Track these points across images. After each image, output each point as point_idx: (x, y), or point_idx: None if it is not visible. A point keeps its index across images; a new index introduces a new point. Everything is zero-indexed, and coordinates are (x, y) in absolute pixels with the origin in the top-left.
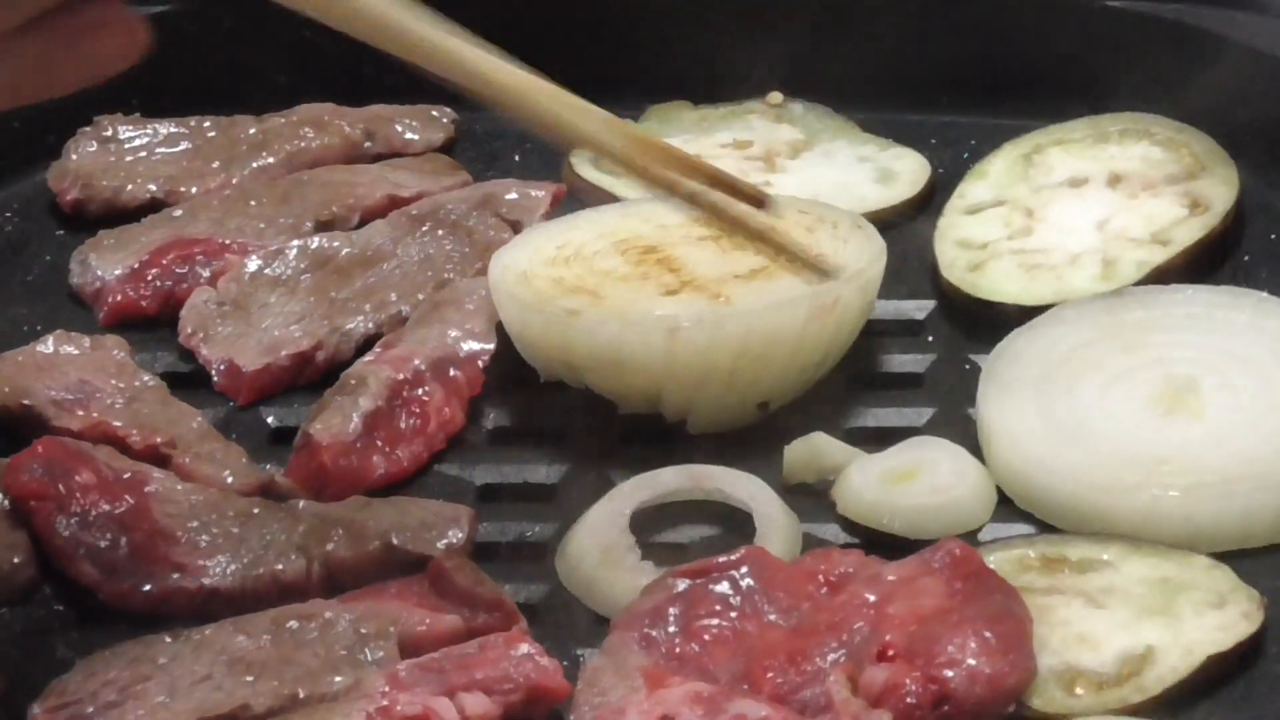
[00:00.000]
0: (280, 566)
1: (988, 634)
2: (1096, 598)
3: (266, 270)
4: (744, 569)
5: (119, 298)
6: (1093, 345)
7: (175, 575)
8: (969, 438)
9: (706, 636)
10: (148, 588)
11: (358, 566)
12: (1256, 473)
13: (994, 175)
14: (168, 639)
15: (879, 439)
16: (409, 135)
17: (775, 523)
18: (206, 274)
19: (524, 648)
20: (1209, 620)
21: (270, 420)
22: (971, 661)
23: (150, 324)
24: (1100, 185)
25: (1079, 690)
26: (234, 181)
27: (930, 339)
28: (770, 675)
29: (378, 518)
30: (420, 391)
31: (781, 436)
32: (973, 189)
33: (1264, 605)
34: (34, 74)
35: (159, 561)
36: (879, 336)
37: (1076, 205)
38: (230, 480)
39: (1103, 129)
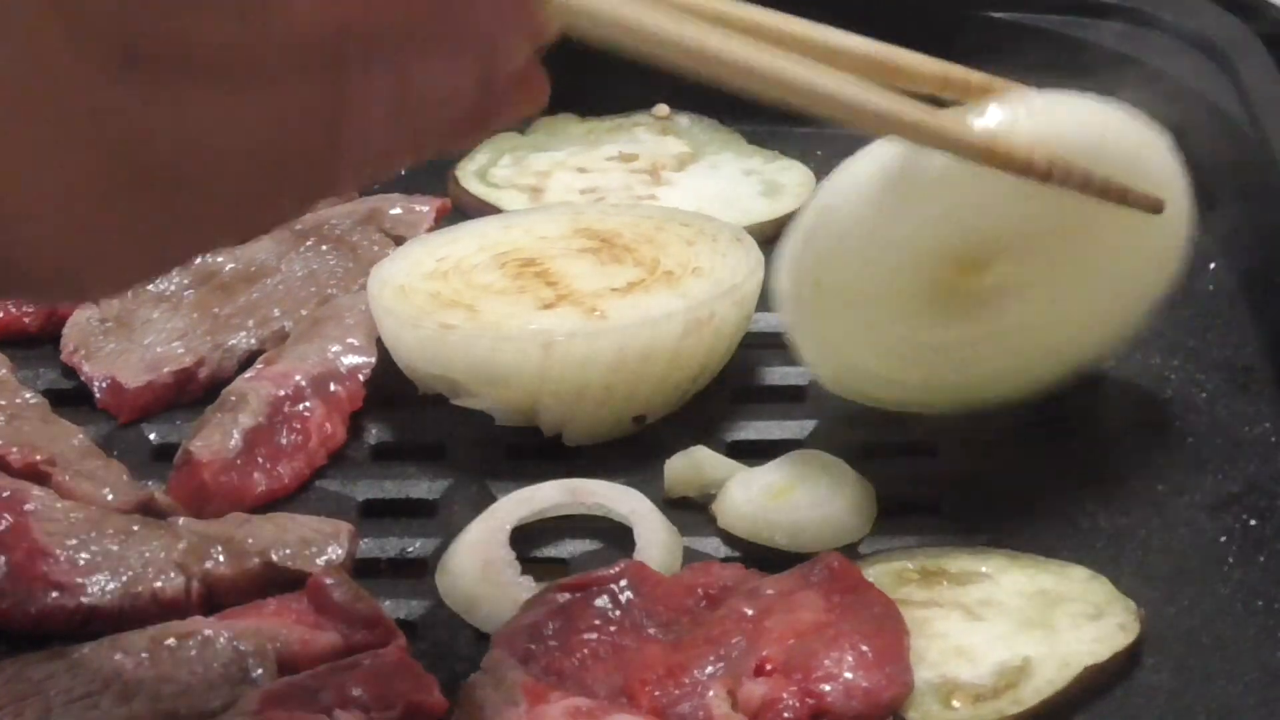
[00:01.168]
0: (160, 584)
1: (864, 648)
2: (975, 610)
3: (149, 286)
4: (623, 583)
5: (0, 315)
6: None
7: (55, 594)
8: (852, 449)
9: (585, 651)
10: (27, 607)
11: (237, 584)
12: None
13: None
14: (45, 658)
15: (761, 452)
16: None
17: (655, 536)
18: None
19: (401, 664)
20: (1086, 632)
21: (152, 437)
22: (848, 675)
23: (32, 341)
24: None
25: (956, 703)
26: None
27: None
28: (649, 689)
29: (257, 535)
30: (301, 407)
31: (662, 449)
32: None
33: (1141, 617)
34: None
35: (38, 580)
36: (762, 349)
37: None
38: (110, 498)
39: None
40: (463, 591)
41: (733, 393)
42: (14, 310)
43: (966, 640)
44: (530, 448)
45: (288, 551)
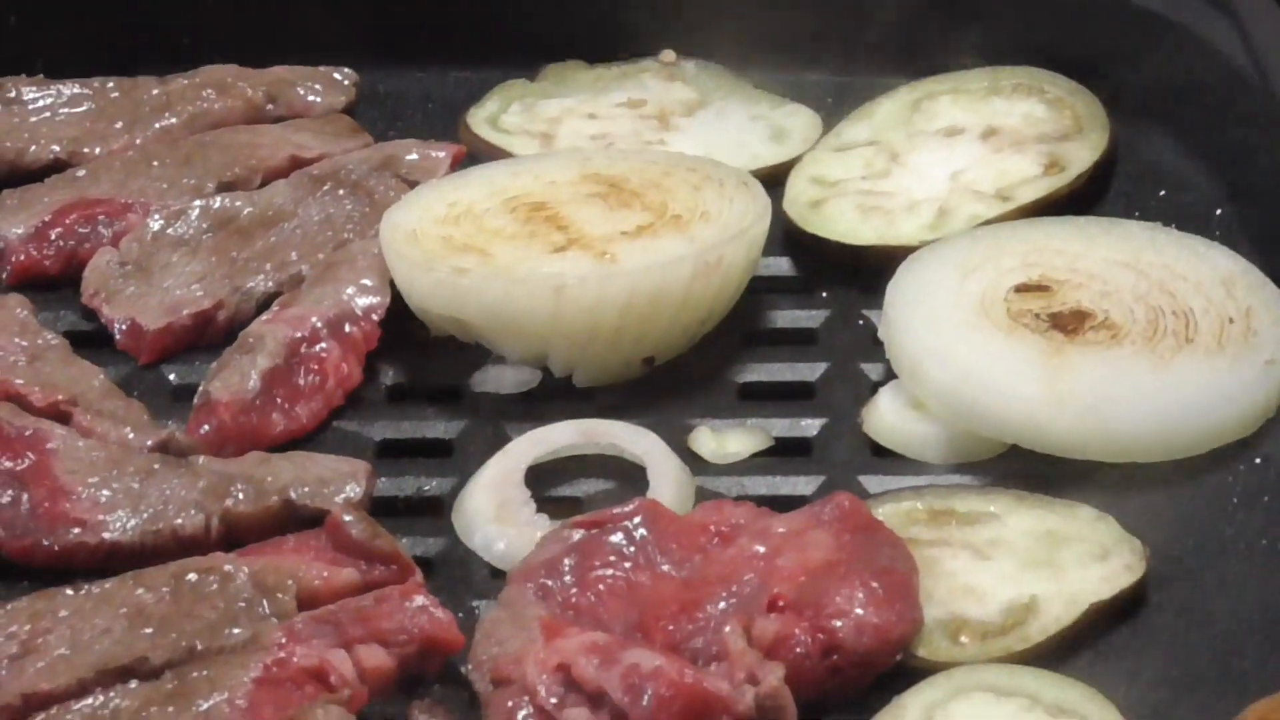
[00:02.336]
0: (180, 521)
1: (875, 585)
2: (983, 550)
3: (169, 230)
4: (637, 520)
5: (22, 257)
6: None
7: (76, 531)
8: (863, 392)
9: (601, 587)
10: (49, 544)
11: (257, 522)
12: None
13: (879, 116)
14: (69, 592)
15: (773, 395)
16: (311, 98)
17: (668, 476)
18: (109, 234)
19: (419, 600)
20: (1092, 571)
21: (172, 378)
22: (859, 612)
23: (53, 283)
24: (973, 137)
25: (964, 639)
26: (137, 143)
27: (824, 295)
28: (663, 624)
29: (276, 473)
30: (318, 349)
31: (672, 390)
32: (852, 128)
33: (1146, 557)
34: None
35: (60, 518)
36: (770, 293)
37: (942, 154)
38: (131, 437)
39: (999, 82)
40: (479, 529)
41: (742, 336)
42: (35, 254)
43: (974, 579)
44: (543, 389)
45: (306, 490)
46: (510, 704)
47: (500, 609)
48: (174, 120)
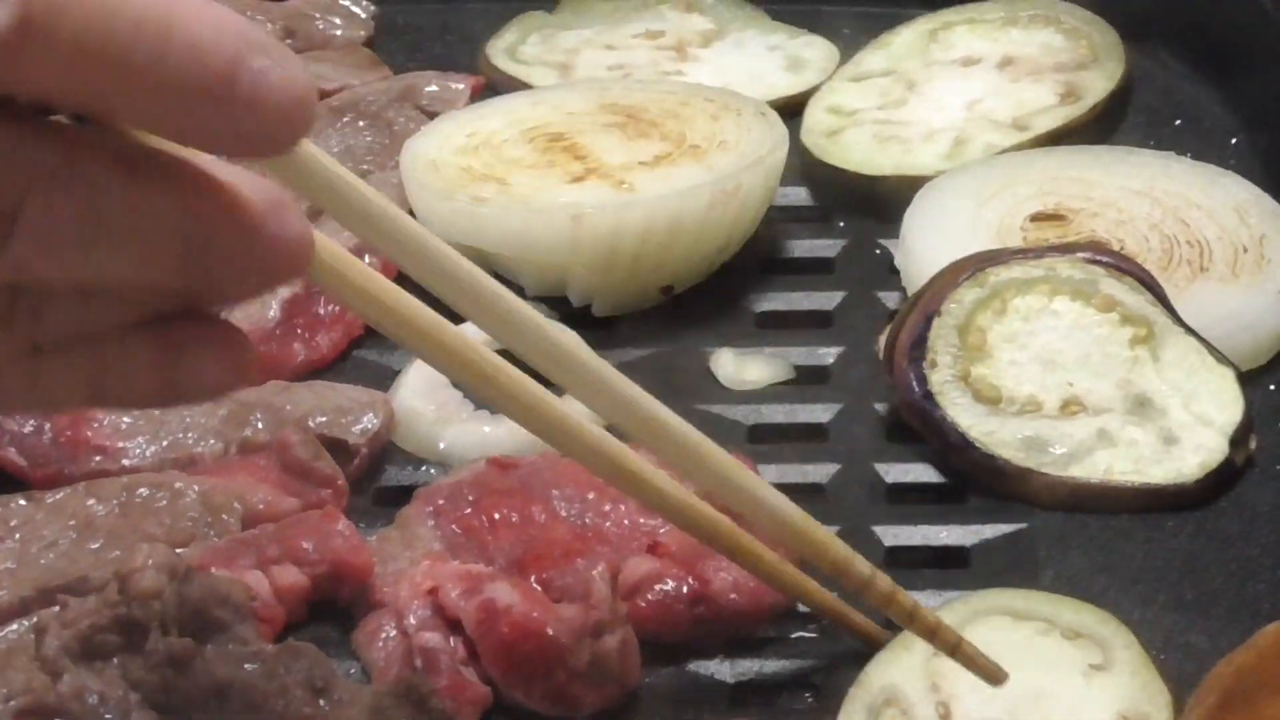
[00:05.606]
0: (200, 449)
1: None
2: None
3: None
4: (547, 461)
5: None
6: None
7: (97, 458)
8: (880, 320)
9: (496, 515)
10: (71, 471)
11: None
12: None
13: (896, 46)
14: (21, 501)
15: (789, 323)
16: (330, 30)
17: None
18: None
19: (333, 523)
20: None
21: None
22: (740, 573)
23: None
24: (990, 66)
25: None
26: None
27: (841, 225)
28: (543, 564)
29: (296, 402)
30: None
31: (690, 319)
32: (870, 57)
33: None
34: (118, 382)
35: (82, 444)
36: (788, 223)
37: (959, 83)
38: None
39: (1015, 12)
40: (424, 435)
41: (760, 264)
42: None
43: None
44: (561, 318)
45: (324, 419)
46: (377, 626)
47: (394, 527)
48: None
